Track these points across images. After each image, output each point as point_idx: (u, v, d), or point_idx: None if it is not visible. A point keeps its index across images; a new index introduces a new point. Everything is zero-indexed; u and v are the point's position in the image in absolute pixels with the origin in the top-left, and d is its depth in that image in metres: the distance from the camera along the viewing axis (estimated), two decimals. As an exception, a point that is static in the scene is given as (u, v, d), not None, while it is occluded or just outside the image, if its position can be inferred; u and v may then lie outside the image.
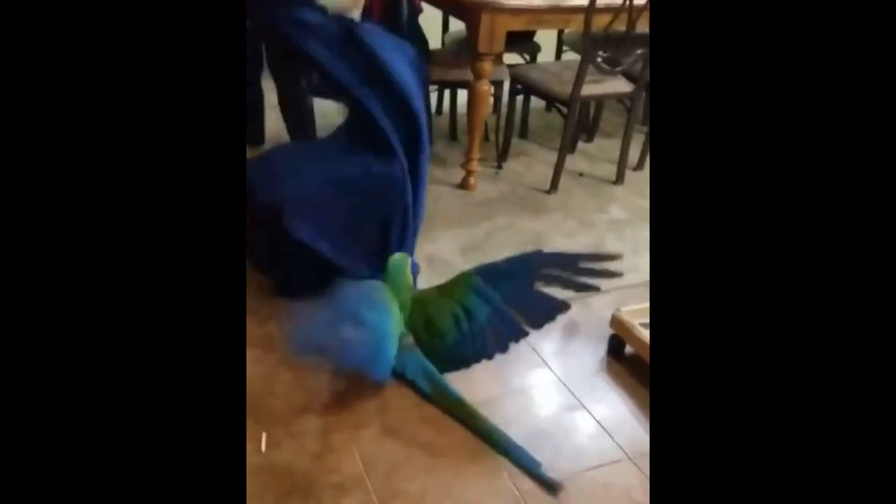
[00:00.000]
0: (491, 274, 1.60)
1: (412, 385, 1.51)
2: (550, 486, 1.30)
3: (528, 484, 1.32)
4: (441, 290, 1.63)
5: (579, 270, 1.61)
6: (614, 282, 2.04)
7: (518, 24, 2.33)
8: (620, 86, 2.58)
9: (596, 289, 1.59)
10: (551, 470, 1.35)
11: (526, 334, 1.55)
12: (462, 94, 2.66)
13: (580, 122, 3.02)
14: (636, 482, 1.34)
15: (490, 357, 1.54)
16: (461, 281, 1.61)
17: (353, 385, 1.54)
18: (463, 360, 1.55)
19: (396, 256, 1.65)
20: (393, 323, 1.52)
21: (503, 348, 1.54)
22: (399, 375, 1.52)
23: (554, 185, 2.60)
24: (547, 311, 1.57)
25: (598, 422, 1.49)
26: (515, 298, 1.57)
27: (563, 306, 1.56)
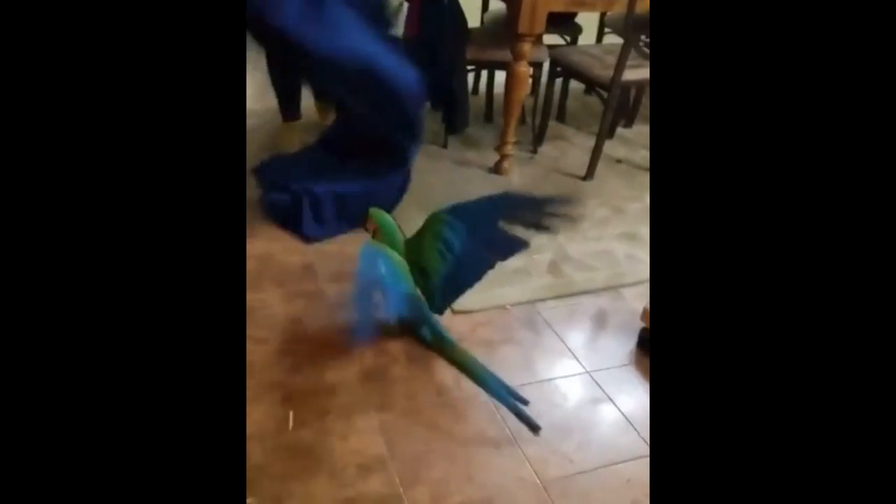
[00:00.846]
0: (461, 212, 1.63)
1: (417, 336, 1.60)
2: (532, 428, 1.37)
3: (552, 473, 1.31)
4: (420, 233, 1.66)
5: (542, 213, 1.64)
6: (646, 273, 2.00)
7: (559, 6, 2.27)
8: (663, 71, 2.50)
9: (553, 231, 1.64)
10: (574, 462, 1.35)
11: (513, 252, 1.62)
12: (499, 75, 2.61)
13: (620, 107, 2.95)
14: (660, 479, 1.32)
15: (479, 278, 1.61)
16: (436, 218, 1.64)
17: (379, 369, 1.55)
18: (456, 288, 1.62)
19: (378, 215, 1.67)
20: (408, 285, 1.58)
21: (491, 265, 1.61)
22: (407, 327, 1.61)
23: (590, 171, 2.55)
24: (510, 247, 1.62)
25: (624, 415, 1.48)
26: (482, 233, 1.62)
27: (523, 244, 1.61)
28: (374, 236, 1.65)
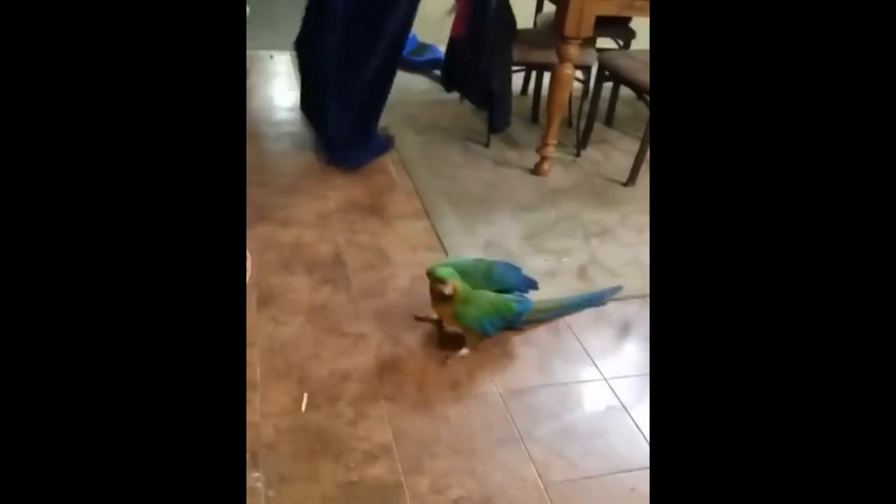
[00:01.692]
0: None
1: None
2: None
3: (555, 475, 1.31)
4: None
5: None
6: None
7: (608, 9, 2.24)
8: (714, 78, 2.43)
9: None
10: (579, 467, 1.33)
11: None
12: (547, 77, 2.60)
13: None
14: (666, 492, 1.29)
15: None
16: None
17: (394, 360, 1.58)
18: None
19: (445, 273, 1.55)
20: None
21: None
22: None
23: (632, 177, 2.51)
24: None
25: (636, 424, 1.45)
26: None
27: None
28: (455, 297, 1.54)
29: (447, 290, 1.51)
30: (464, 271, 1.58)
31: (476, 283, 1.59)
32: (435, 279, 1.53)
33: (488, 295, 1.59)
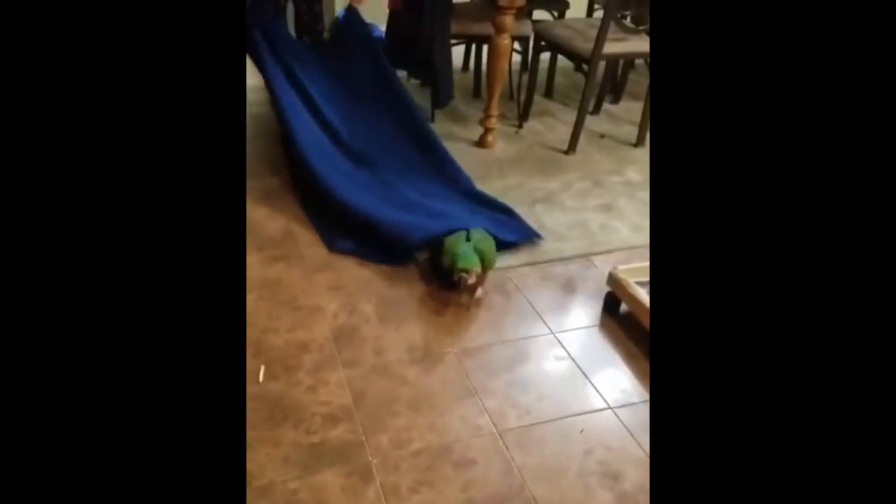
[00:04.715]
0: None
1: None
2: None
3: (509, 423, 1.38)
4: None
5: None
6: (619, 242, 2.05)
7: (541, -21, 2.30)
8: (645, 45, 2.52)
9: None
10: (532, 413, 1.40)
11: None
12: (487, 51, 2.64)
13: (607, 82, 2.98)
14: (613, 430, 1.38)
15: None
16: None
17: (351, 328, 1.61)
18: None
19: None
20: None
21: None
22: None
23: (572, 145, 2.59)
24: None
25: (583, 372, 1.53)
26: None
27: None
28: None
29: (472, 279, 1.68)
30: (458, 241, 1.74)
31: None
32: (463, 271, 1.66)
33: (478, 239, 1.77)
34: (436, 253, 1.78)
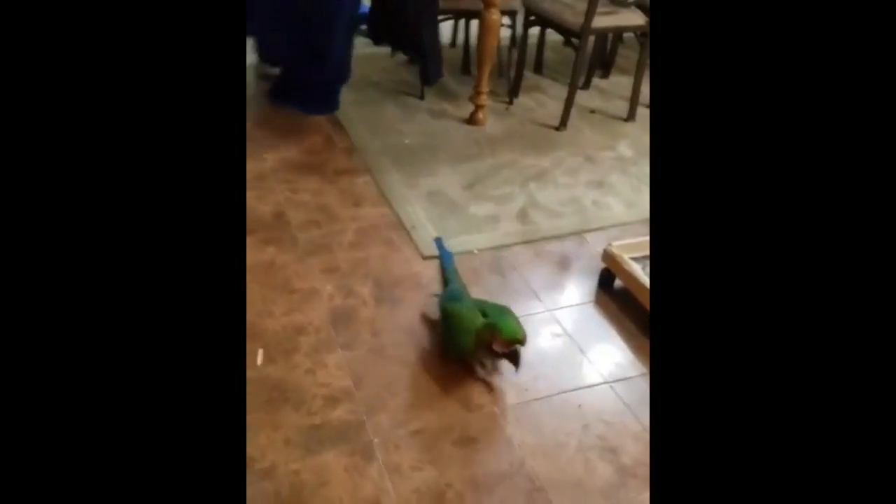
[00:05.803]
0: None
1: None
2: None
3: (508, 400, 1.39)
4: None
5: None
6: (612, 218, 2.05)
7: (529, -48, 2.26)
8: (635, 18, 2.50)
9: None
10: (530, 390, 1.42)
11: None
12: (475, 27, 2.61)
13: (596, 57, 2.95)
14: (609, 404, 1.40)
15: None
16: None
17: (348, 310, 1.61)
18: None
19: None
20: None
21: None
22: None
23: (563, 121, 2.58)
24: None
25: (580, 348, 1.55)
26: None
27: None
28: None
29: (500, 347, 1.38)
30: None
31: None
32: (516, 342, 1.37)
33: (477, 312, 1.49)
34: (450, 333, 1.48)
